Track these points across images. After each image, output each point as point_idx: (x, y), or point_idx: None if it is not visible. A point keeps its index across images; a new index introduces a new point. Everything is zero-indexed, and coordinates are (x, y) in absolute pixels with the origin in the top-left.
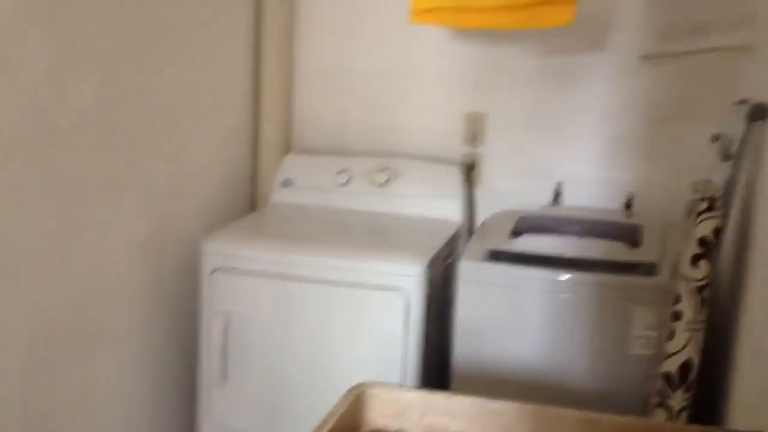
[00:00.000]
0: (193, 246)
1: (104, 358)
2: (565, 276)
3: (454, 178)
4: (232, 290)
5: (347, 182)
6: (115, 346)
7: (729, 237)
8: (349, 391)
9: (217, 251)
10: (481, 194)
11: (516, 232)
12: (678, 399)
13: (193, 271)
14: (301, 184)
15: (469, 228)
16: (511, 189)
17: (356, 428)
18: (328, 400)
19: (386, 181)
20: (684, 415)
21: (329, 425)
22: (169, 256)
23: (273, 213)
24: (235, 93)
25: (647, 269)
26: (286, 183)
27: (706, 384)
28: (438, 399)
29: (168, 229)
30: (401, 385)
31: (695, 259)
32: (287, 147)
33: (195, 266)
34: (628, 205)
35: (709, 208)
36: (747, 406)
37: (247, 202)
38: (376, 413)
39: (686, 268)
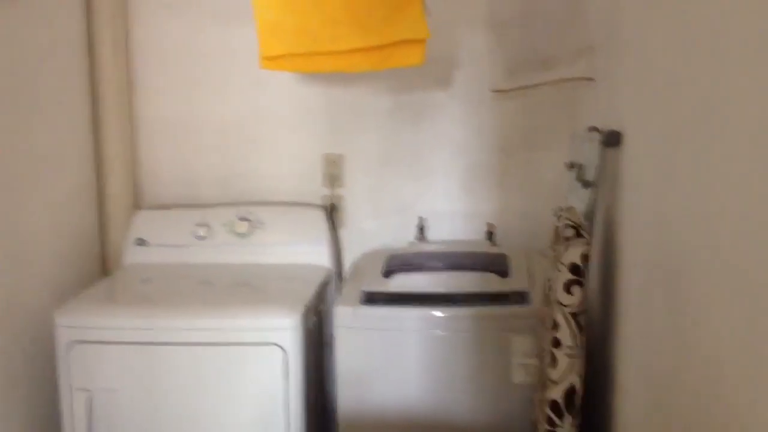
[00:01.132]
0: (44, 319)
1: None
2: (440, 313)
3: (317, 222)
4: (93, 364)
5: (206, 235)
6: None
7: (594, 262)
8: None
9: (72, 323)
10: (346, 235)
11: (387, 272)
12: (566, 426)
13: (48, 346)
14: (156, 242)
15: (338, 271)
16: (375, 228)
17: None
18: None
19: (248, 231)
20: None
21: None
22: (20, 330)
23: (128, 275)
24: (73, 149)
25: (519, 298)
26: (140, 242)
27: (593, 410)
28: None
29: (14, 302)
30: None
31: (568, 286)
32: (136, 203)
33: (49, 341)
34: (491, 236)
35: (576, 235)
36: (631, 430)
37: (98, 266)
38: None
39: (560, 295)
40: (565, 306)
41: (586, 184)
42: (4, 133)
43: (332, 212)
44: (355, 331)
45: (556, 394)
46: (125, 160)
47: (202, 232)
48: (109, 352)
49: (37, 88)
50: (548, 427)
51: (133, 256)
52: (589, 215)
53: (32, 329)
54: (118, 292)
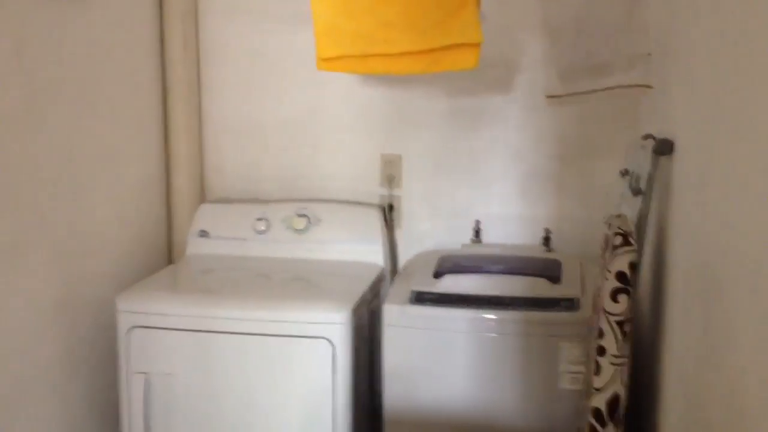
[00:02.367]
0: (108, 304)
1: (20, 428)
2: (489, 315)
3: (373, 221)
4: (151, 348)
5: (265, 230)
6: (30, 414)
7: (644, 271)
8: None
9: (133, 308)
10: (401, 236)
11: (438, 273)
12: None
13: (110, 330)
14: (218, 234)
15: (391, 270)
16: (430, 229)
17: None
18: None
19: (305, 227)
20: None
21: None
22: (83, 316)
23: (190, 265)
24: (143, 146)
25: (569, 304)
26: (202, 233)
27: (637, 420)
28: None
29: (80, 288)
30: None
31: (614, 294)
32: (201, 196)
33: (111, 325)
34: (546, 241)
35: (624, 243)
36: None
37: (162, 255)
38: None
39: (607, 303)
40: (610, 314)
41: (638, 192)
42: (79, 128)
43: (388, 212)
44: (403, 330)
45: (599, 402)
46: (192, 155)
47: (261, 226)
48: (167, 337)
49: (110, 85)
50: None
51: (196, 247)
52: (640, 223)
53: (96, 316)
54: (179, 280)
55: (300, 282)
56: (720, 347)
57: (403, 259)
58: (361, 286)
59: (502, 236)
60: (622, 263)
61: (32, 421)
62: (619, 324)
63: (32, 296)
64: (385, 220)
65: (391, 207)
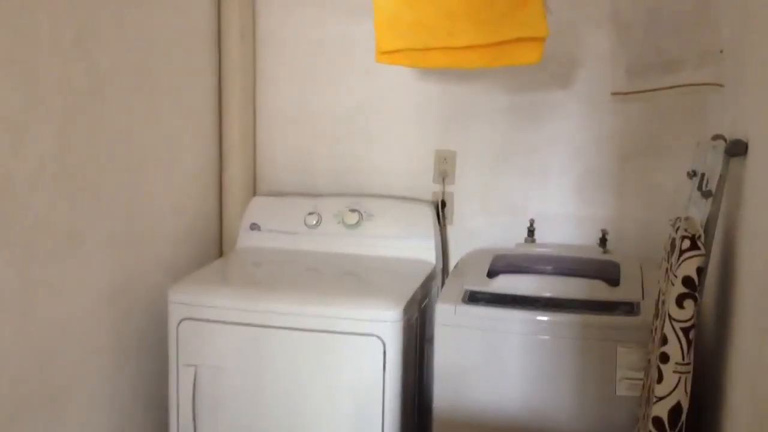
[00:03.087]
0: (160, 295)
1: (69, 414)
2: (545, 317)
3: (426, 217)
4: (202, 341)
5: (317, 224)
6: (80, 401)
7: (711, 276)
8: None
9: (185, 300)
10: (453, 233)
11: (492, 272)
12: None
13: (161, 321)
14: (269, 227)
15: (443, 268)
16: (483, 227)
17: None
18: None
19: (357, 222)
20: None
21: None
22: (135, 305)
23: (241, 258)
24: (198, 135)
25: (628, 309)
26: (254, 226)
27: (699, 428)
28: None
29: (133, 277)
30: None
31: (681, 299)
32: (253, 189)
33: (162, 316)
34: (603, 242)
35: (692, 247)
36: None
37: (214, 247)
38: None
39: (672, 309)
40: (675, 320)
41: (707, 194)
42: (137, 117)
43: (441, 208)
44: (456, 329)
45: (661, 411)
46: (246, 147)
47: (313, 220)
48: (216, 330)
49: (168, 74)
50: None
51: (247, 239)
52: (708, 227)
53: (148, 306)
54: (230, 273)
55: (351, 278)
56: None
57: (454, 257)
58: (413, 284)
59: (557, 236)
60: (689, 268)
61: (82, 408)
62: (684, 331)
63: (87, 283)
64: (438, 216)
65: (443, 203)
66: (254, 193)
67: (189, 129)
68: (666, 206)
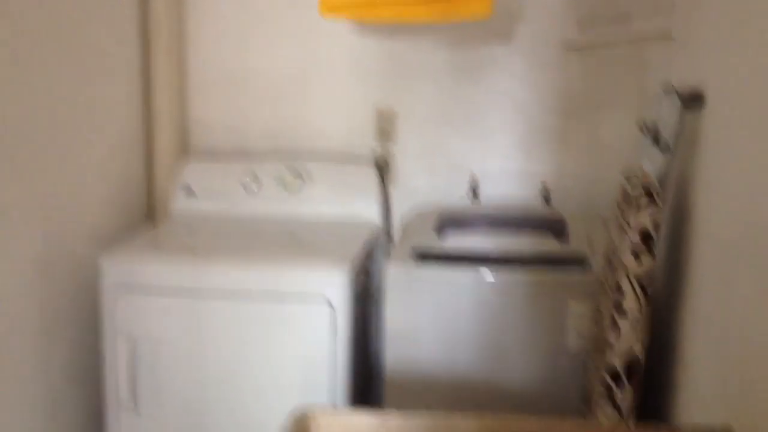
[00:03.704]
0: (90, 265)
1: None
2: (496, 274)
3: (368, 177)
4: (138, 311)
5: (255, 187)
6: (7, 377)
7: (664, 229)
8: (293, 420)
9: (118, 269)
10: (396, 192)
11: (440, 231)
12: (625, 395)
13: (92, 292)
14: (204, 192)
15: (387, 229)
16: (426, 186)
17: None
18: (254, 425)
19: (297, 184)
20: (629, 408)
21: None
22: (64, 276)
23: (175, 224)
24: (123, 98)
25: (578, 263)
26: (187, 191)
27: (649, 380)
28: (392, 422)
29: (61, 247)
30: (349, 409)
31: (636, 252)
32: (184, 152)
33: (93, 286)
34: (546, 197)
35: (649, 200)
36: (697, 403)
37: (144, 214)
38: None
39: (627, 260)
40: (631, 272)
41: (665, 147)
42: (56, 81)
43: (383, 168)
44: (406, 290)
45: (617, 360)
46: (174, 109)
47: (250, 183)
48: (154, 300)
49: (88, 36)
50: (606, 393)
51: (180, 205)
52: (661, 180)
53: (77, 276)
54: (165, 240)
55: (294, 241)
56: None
57: (398, 217)
58: (358, 245)
59: (500, 193)
60: (645, 221)
61: (10, 383)
62: (640, 282)
63: (11, 255)
64: (380, 176)
65: (385, 163)
66: (187, 158)
67: (113, 92)
68: (609, 161)
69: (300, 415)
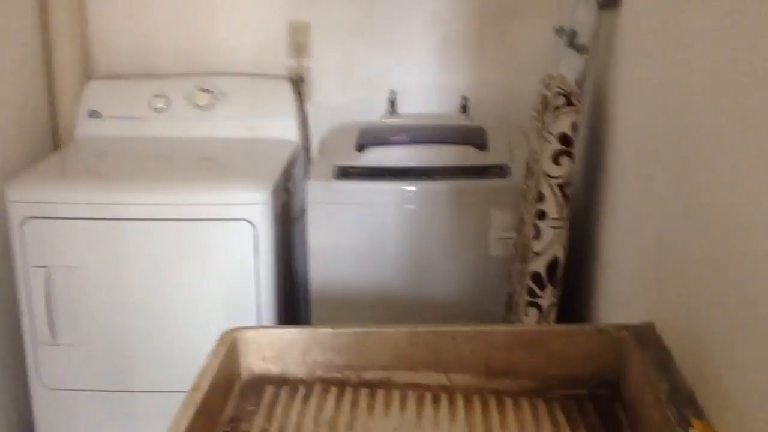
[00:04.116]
0: None
1: None
2: (418, 186)
3: (283, 94)
4: (51, 240)
5: (164, 107)
6: None
7: (582, 132)
8: (221, 340)
9: (26, 198)
10: (312, 110)
11: (361, 146)
12: (547, 297)
13: (0, 222)
14: (111, 114)
15: (305, 147)
16: (344, 102)
17: (233, 378)
18: (180, 351)
19: (209, 103)
20: (553, 312)
21: (208, 379)
22: None
23: (81, 149)
24: (17, 20)
25: (499, 171)
26: (93, 113)
27: (572, 284)
28: (321, 334)
29: None
30: (277, 326)
31: (556, 156)
32: (87, 73)
33: (1, 215)
34: (465, 108)
35: (567, 103)
36: (619, 303)
37: (48, 139)
38: (252, 358)
39: (547, 166)
40: (552, 177)
41: (581, 49)
42: None
43: (298, 84)
44: (328, 206)
45: (539, 265)
46: (75, 28)
47: (159, 103)
48: (66, 227)
49: None
50: (528, 299)
51: (86, 128)
52: (579, 83)
53: None
54: (72, 165)
55: (209, 162)
56: (703, 211)
57: (316, 135)
58: (278, 164)
59: (418, 106)
60: (564, 124)
61: None
62: (560, 187)
63: None
64: (296, 92)
65: (301, 79)
66: (88, 77)
67: (5, 12)
68: (527, 70)
69: (229, 333)
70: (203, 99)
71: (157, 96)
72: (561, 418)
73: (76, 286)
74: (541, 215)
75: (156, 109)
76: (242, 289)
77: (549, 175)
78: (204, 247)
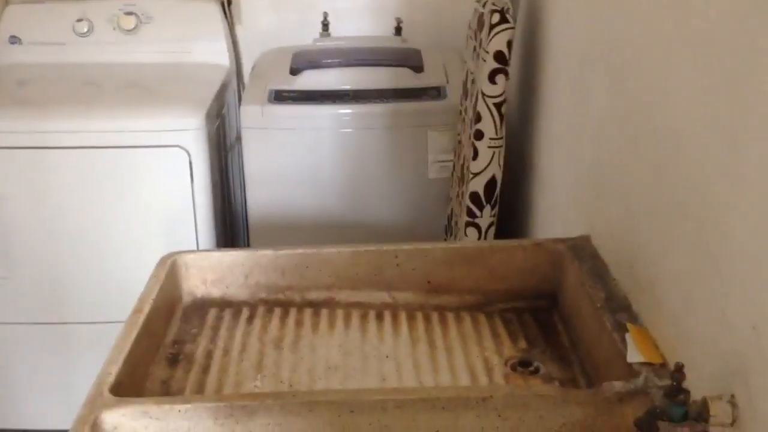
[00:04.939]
0: None
1: None
2: (354, 109)
3: (212, 16)
4: None
5: (88, 31)
6: None
7: (517, 49)
8: (161, 262)
9: None
10: (243, 33)
11: (295, 70)
12: (486, 216)
13: None
14: (31, 39)
15: (237, 71)
16: (275, 25)
17: (175, 302)
18: (117, 281)
19: (135, 26)
20: (491, 231)
21: (149, 302)
22: None
23: (3, 76)
24: None
25: (435, 93)
26: (12, 39)
27: (509, 203)
28: (263, 256)
29: None
30: (218, 249)
31: (493, 75)
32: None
33: None
34: (398, 31)
35: (502, 20)
36: (556, 218)
37: None
38: (194, 281)
39: (485, 86)
40: (488, 96)
41: None
42: None
43: (227, 6)
44: (263, 131)
45: (477, 185)
46: None
47: (83, 27)
48: None
49: None
50: (468, 219)
51: (6, 55)
52: (514, 0)
53: None
54: None
55: (138, 88)
56: (637, 118)
57: (247, 60)
58: (210, 89)
59: (352, 29)
60: (500, 42)
61: None
62: (497, 106)
63: None
64: (225, 15)
65: (229, 1)
66: (6, 2)
67: None
68: None
69: (169, 257)
70: (129, 22)
71: (79, 20)
72: (501, 330)
73: (7, 217)
74: (479, 135)
75: (79, 34)
76: (180, 217)
77: (485, 95)
78: (138, 174)
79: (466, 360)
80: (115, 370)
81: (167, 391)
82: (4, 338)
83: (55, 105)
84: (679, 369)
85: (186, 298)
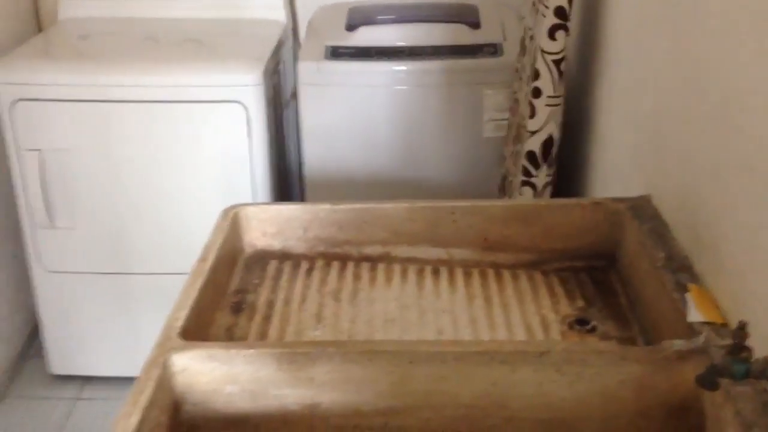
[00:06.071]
0: None
1: None
2: (410, 66)
3: None
4: (42, 123)
5: None
6: None
7: (578, 5)
8: (223, 214)
9: (14, 79)
10: None
11: (351, 26)
12: (542, 175)
13: None
14: None
15: (293, 28)
16: None
17: (237, 253)
18: (176, 234)
19: None
20: (547, 190)
21: (214, 252)
22: None
23: (66, 30)
24: None
25: (492, 50)
26: None
27: (569, 160)
28: (321, 210)
29: None
30: (277, 202)
31: (552, 31)
32: None
33: None
34: None
35: None
36: (615, 178)
37: (31, 22)
38: (255, 233)
39: (544, 42)
40: (548, 53)
41: None
42: None
43: None
44: (319, 88)
45: (534, 144)
46: None
47: None
48: (55, 110)
49: None
50: (523, 178)
51: (69, 10)
52: None
53: None
54: (59, 47)
55: (197, 44)
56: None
57: (303, 15)
58: (268, 45)
59: None
60: None
61: None
62: (556, 63)
63: None
64: None
65: None
66: None
67: None
68: None
69: (230, 208)
70: None
71: None
72: (558, 288)
73: (70, 169)
74: (537, 93)
75: None
76: (237, 172)
77: (545, 51)
78: (196, 129)
79: (523, 317)
80: (183, 315)
81: (231, 338)
82: (69, 287)
83: (117, 59)
84: (743, 326)
85: (248, 250)
